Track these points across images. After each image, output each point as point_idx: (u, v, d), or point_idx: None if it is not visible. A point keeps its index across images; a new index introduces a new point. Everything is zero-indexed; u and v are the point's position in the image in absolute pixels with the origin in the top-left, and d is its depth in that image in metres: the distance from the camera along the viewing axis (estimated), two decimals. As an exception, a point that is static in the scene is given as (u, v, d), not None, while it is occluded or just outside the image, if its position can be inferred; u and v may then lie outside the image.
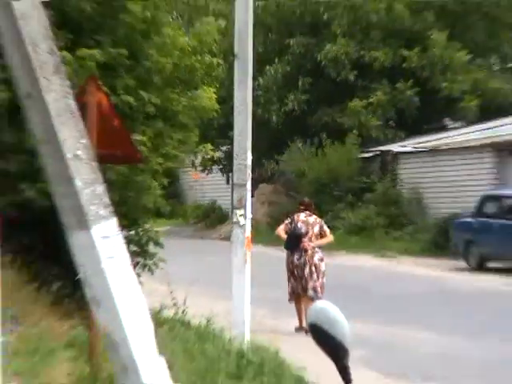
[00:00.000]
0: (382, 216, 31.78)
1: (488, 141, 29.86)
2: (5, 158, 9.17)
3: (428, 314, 17.31)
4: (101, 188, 7.39)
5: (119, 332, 7.28)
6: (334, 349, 3.37)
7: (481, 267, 24.76)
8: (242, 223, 13.03)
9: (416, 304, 18.78)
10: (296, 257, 15.91)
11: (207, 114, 14.82)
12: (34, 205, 11.16)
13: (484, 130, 31.41)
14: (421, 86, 34.15)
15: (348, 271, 22.03)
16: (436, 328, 15.66)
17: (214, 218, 39.50)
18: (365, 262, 26.36)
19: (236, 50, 13.28)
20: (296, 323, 15.34)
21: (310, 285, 15.74)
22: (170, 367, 7.53)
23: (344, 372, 3.40)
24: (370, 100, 34.48)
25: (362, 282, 21.44)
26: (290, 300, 15.87)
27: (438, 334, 15.16)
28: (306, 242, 15.89)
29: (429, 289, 21.56)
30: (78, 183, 7.26)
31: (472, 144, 30.47)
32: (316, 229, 16.13)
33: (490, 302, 19.51)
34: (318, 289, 15.67)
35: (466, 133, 32.35)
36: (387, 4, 34.37)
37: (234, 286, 12.91)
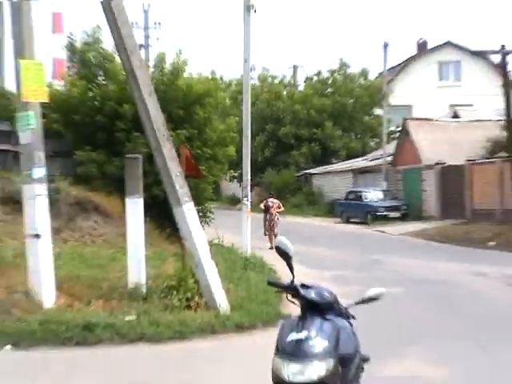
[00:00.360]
0: (306, 200, 31.64)
1: (349, 168, 29.87)
2: (146, 176, 9.17)
3: (327, 241, 17.26)
4: (187, 189, 7.37)
5: (194, 250, 7.27)
6: (286, 256, 3.35)
7: (347, 221, 24.63)
8: (246, 203, 12.99)
9: (322, 237, 18.71)
10: (267, 216, 15.94)
11: (231, 157, 14.79)
12: (158, 197, 11.13)
13: (348, 164, 31.37)
14: (321, 145, 34.05)
15: (291, 224, 21.84)
16: (332, 247, 15.60)
17: (234, 201, 39.00)
18: (298, 220, 26.20)
19: (243, 130, 13.24)
20: (269, 245, 15.30)
21: (273, 229, 15.76)
22: (216, 265, 7.53)
23: (290, 266, 3.38)
24: (301, 151, 34.34)
25: (297, 228, 21.21)
26: (264, 235, 15.88)
27: (332, 250, 15.12)
28: (271, 210, 15.93)
29: (326, 230, 21.48)
30: (177, 187, 7.24)
31: (343, 169, 30.48)
32: (276, 205, 16.17)
33: (353, 235, 19.51)
34: (276, 231, 15.67)
35: (341, 165, 32.21)
36: (307, 110, 34.27)
37: (243, 230, 12.87)
